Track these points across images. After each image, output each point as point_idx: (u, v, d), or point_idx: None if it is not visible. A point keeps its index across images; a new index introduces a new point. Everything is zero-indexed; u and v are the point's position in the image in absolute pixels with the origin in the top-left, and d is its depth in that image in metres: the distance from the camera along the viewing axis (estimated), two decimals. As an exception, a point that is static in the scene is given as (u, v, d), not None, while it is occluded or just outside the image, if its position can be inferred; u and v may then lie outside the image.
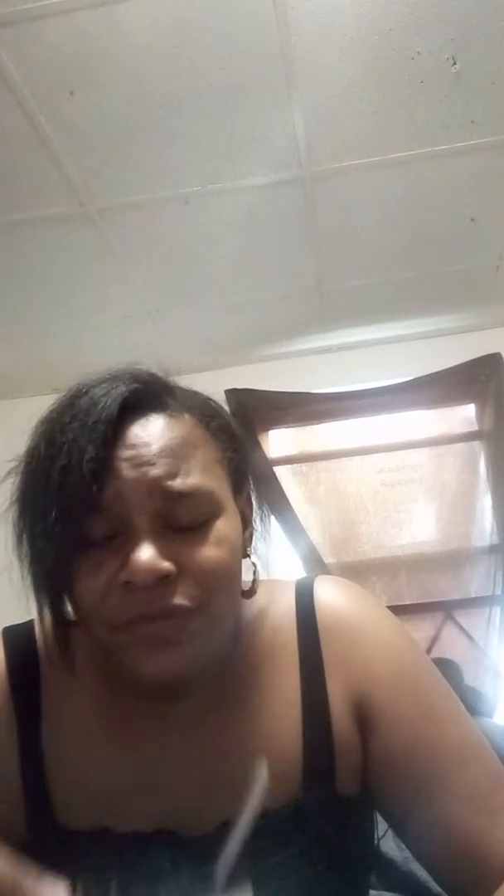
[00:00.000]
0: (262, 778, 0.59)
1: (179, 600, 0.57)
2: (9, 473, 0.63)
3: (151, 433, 0.60)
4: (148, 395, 0.62)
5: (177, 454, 0.59)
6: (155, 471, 0.58)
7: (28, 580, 0.61)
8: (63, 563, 0.58)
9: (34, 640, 0.70)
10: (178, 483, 0.58)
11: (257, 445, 2.71)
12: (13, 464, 0.64)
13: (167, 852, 0.62)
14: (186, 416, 0.63)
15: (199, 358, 2.58)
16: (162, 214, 1.93)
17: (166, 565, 0.56)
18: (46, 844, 0.63)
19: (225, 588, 0.60)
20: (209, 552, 0.59)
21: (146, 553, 0.55)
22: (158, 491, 0.57)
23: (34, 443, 0.60)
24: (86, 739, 0.66)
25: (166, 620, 0.57)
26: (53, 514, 0.56)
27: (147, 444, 0.59)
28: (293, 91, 1.56)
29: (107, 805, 0.63)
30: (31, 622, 0.71)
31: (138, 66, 1.46)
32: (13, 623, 0.73)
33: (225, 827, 0.62)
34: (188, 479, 0.59)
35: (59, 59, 1.43)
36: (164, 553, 0.56)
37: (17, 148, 1.64)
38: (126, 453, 0.58)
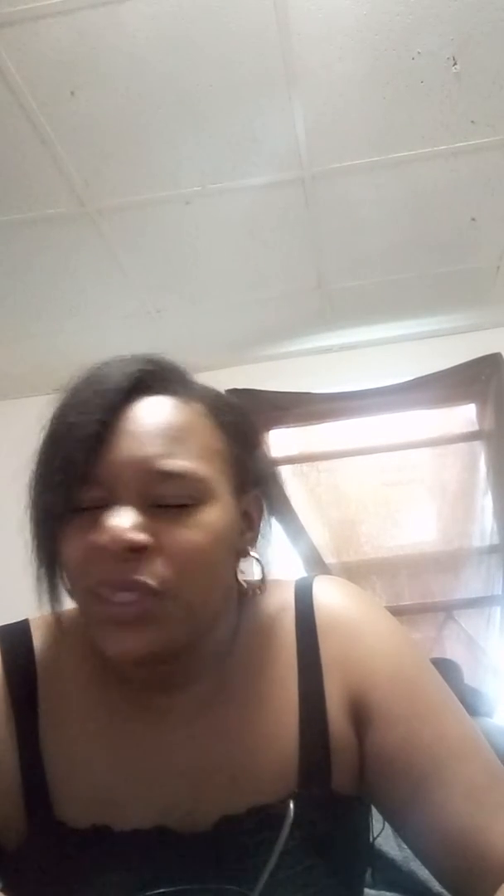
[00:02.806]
0: (289, 816, 0.60)
1: (145, 578, 0.57)
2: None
3: (155, 412, 0.62)
4: (161, 378, 0.64)
5: (175, 436, 0.61)
6: (148, 448, 0.59)
7: (29, 544, 0.63)
8: (55, 520, 0.59)
9: (30, 638, 0.70)
10: (168, 463, 0.59)
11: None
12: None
13: (166, 850, 0.62)
14: (198, 404, 0.64)
15: (199, 358, 2.56)
16: (162, 214, 1.93)
17: (140, 536, 0.57)
18: (47, 843, 0.63)
19: (199, 576, 0.60)
20: (188, 535, 0.59)
21: (120, 520, 0.57)
22: (148, 468, 0.59)
23: (53, 409, 0.63)
24: (84, 736, 0.66)
25: (129, 597, 0.57)
26: (56, 465, 0.59)
27: (148, 422, 0.61)
28: (293, 91, 1.56)
29: (106, 802, 0.64)
30: (26, 620, 0.72)
31: (138, 66, 1.46)
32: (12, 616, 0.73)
33: (223, 823, 0.62)
34: (180, 461, 0.60)
35: (59, 59, 1.43)
36: (142, 527, 0.57)
37: (17, 148, 1.64)
38: (127, 426, 0.60)
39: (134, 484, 0.58)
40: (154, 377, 0.63)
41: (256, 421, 0.74)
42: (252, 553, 0.69)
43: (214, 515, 0.61)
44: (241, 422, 0.68)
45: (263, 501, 0.70)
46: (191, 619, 0.60)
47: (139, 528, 0.57)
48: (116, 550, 0.56)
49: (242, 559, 0.69)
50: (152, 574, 0.57)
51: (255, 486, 0.69)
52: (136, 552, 0.57)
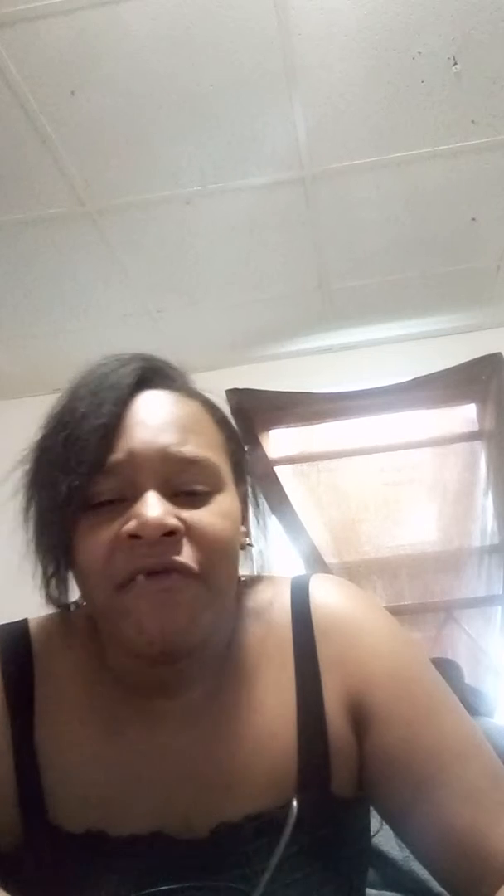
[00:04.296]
0: (290, 821, 0.60)
1: (184, 559, 0.58)
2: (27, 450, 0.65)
3: (164, 404, 0.63)
4: (161, 374, 0.66)
5: (186, 426, 0.62)
6: (165, 437, 0.60)
7: (32, 546, 0.62)
8: (70, 516, 0.59)
9: (29, 640, 0.69)
10: (187, 450, 0.60)
11: (258, 445, 2.71)
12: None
13: (163, 856, 0.61)
14: (196, 401, 0.67)
15: (199, 358, 2.56)
16: (162, 214, 1.93)
17: (174, 521, 0.57)
18: (42, 847, 0.62)
19: (224, 560, 0.61)
20: (211, 520, 0.60)
21: (155, 507, 0.57)
22: (168, 456, 0.60)
23: (55, 407, 0.63)
24: (80, 739, 0.65)
25: (169, 576, 0.57)
26: (68, 458, 0.59)
27: (160, 412, 0.62)
28: (294, 91, 1.56)
29: (102, 807, 0.63)
30: (25, 621, 0.71)
31: (138, 66, 1.46)
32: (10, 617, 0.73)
33: (220, 829, 0.61)
34: (196, 449, 0.61)
35: (59, 59, 1.43)
36: (172, 512, 0.58)
37: (17, 148, 1.64)
38: (139, 417, 0.61)
39: (155, 471, 0.59)
40: (155, 373, 0.65)
41: (251, 419, 0.76)
42: (250, 544, 0.70)
43: (228, 503, 0.63)
44: (228, 420, 0.71)
45: (250, 497, 0.71)
46: (216, 605, 0.61)
47: (170, 513, 0.58)
48: (153, 537, 0.56)
49: (242, 551, 0.69)
50: (188, 557, 0.58)
51: (243, 482, 0.70)
52: (170, 536, 0.57)
